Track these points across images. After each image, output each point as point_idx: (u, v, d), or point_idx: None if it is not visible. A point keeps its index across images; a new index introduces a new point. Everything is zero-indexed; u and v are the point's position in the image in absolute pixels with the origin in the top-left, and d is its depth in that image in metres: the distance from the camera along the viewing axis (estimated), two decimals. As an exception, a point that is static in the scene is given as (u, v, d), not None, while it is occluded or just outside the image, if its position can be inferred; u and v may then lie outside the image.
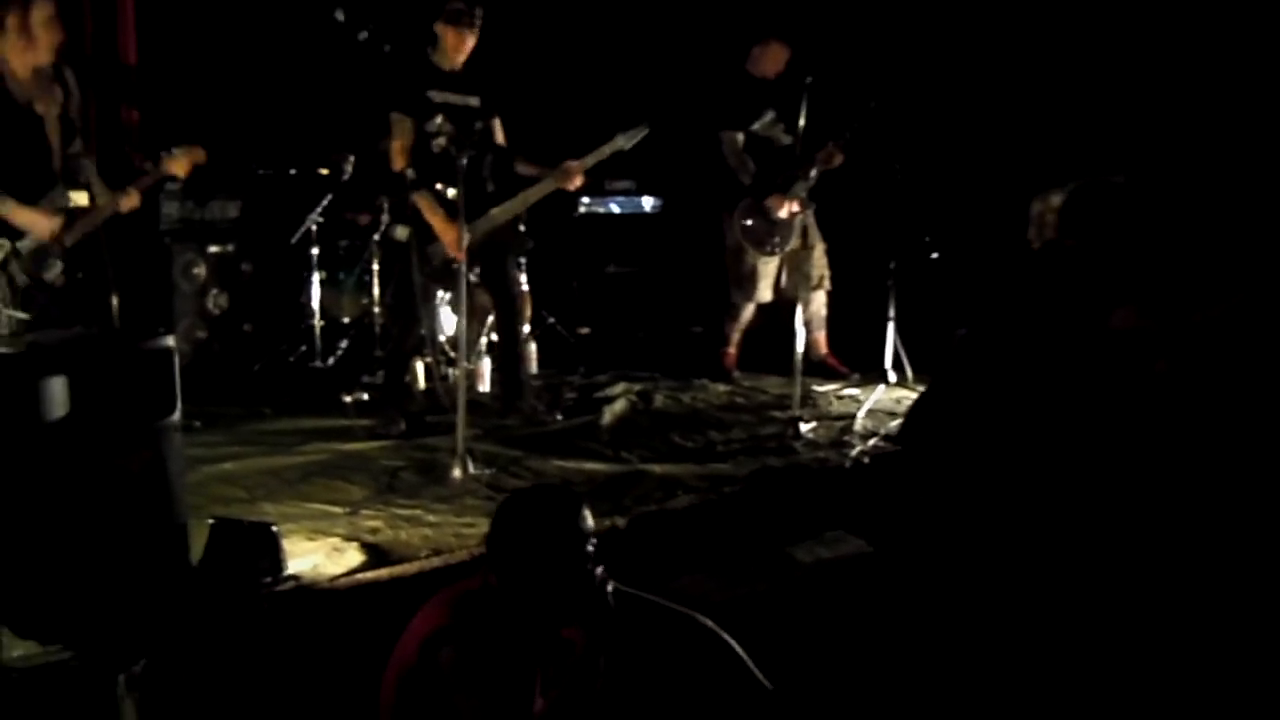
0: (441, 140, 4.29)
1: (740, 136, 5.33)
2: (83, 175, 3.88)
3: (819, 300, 5.54)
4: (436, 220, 4.26)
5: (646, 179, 6.89)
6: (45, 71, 3.69)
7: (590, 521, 2.26)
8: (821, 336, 5.62)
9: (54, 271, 3.72)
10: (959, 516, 3.28)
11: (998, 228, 5.77)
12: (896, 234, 5.47)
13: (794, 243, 5.32)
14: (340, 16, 3.72)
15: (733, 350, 5.63)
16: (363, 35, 3.75)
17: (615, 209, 6.92)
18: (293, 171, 5.95)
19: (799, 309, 4.80)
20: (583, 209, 6.85)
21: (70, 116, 3.84)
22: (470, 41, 4.31)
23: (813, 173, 5.25)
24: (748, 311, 5.53)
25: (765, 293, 5.46)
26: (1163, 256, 3.61)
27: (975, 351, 3.45)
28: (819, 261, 5.47)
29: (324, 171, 5.91)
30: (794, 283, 5.32)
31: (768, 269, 5.43)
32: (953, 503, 3.33)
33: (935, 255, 5.57)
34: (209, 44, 5.95)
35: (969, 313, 4.97)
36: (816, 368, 5.47)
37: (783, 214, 5.27)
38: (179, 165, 3.90)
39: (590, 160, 4.34)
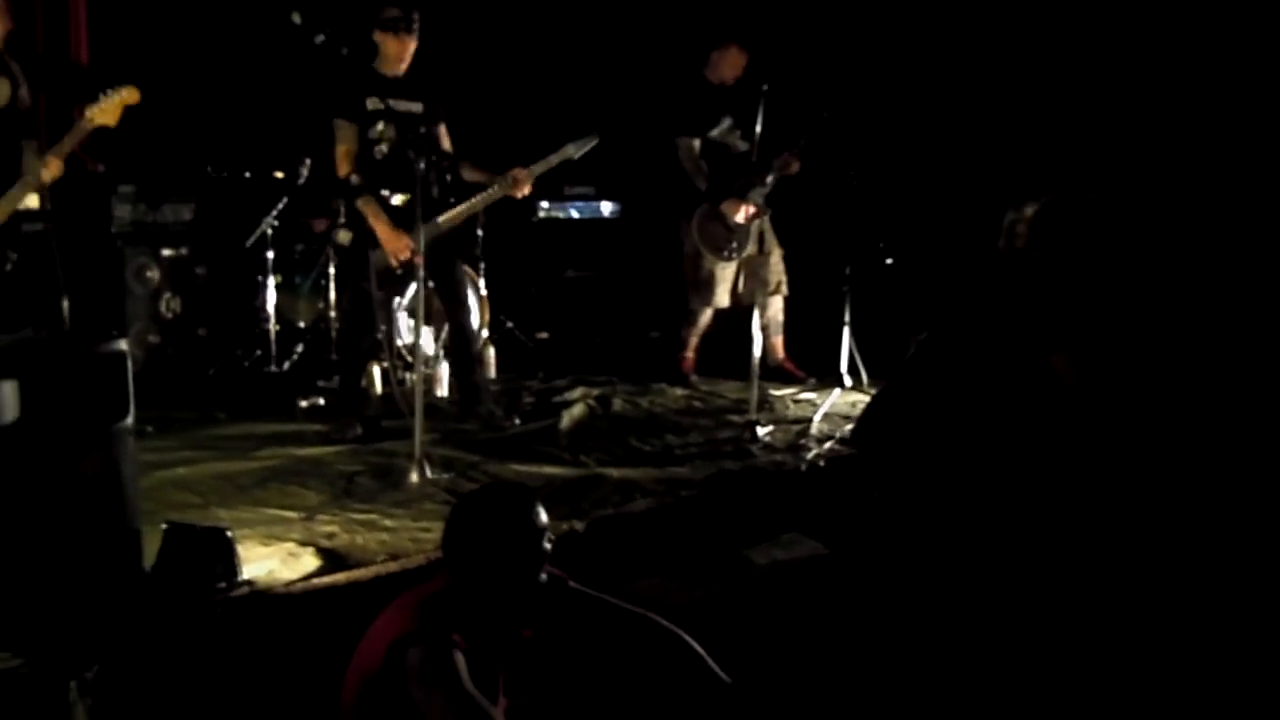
0: (384, 146, 4.29)
1: (696, 143, 5.36)
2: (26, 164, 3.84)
3: (776, 305, 5.59)
4: (380, 226, 4.25)
5: (605, 184, 6.92)
6: None
7: (545, 518, 2.28)
8: (779, 341, 5.67)
9: (11, 261, 3.70)
10: (912, 518, 3.33)
11: (950, 234, 5.89)
12: (851, 240, 5.53)
13: (750, 248, 5.37)
14: (297, 19, 3.70)
15: (690, 355, 5.67)
16: (319, 39, 3.74)
17: (574, 214, 6.93)
18: (247, 174, 5.90)
19: (756, 314, 4.85)
20: (541, 214, 6.86)
21: (18, 107, 3.80)
22: (410, 47, 4.30)
23: (769, 179, 5.32)
24: (705, 316, 5.56)
25: (723, 298, 5.50)
26: (1126, 274, 3.70)
27: (931, 355, 3.50)
28: (776, 267, 5.52)
29: (279, 175, 5.86)
30: (751, 288, 5.38)
31: (725, 274, 5.47)
32: (905, 505, 3.37)
33: (889, 261, 5.65)
34: (163, 45, 5.89)
35: (923, 318, 5.05)
36: (774, 372, 5.52)
37: (739, 219, 5.31)
38: (108, 113, 3.73)
39: (539, 168, 4.36)
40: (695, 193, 5.34)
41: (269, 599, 2.84)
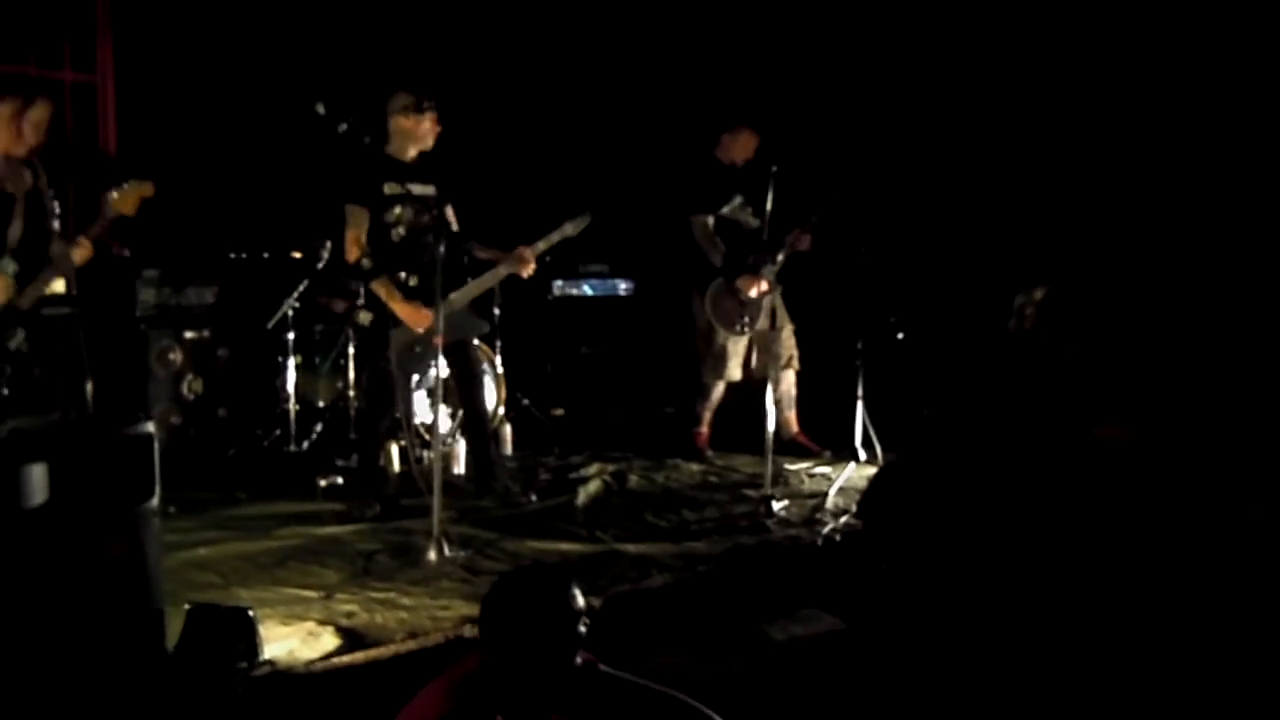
0: (401, 229, 4.41)
1: (710, 220, 5.47)
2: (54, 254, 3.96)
3: (789, 380, 5.64)
4: (396, 304, 4.36)
5: (619, 262, 7.03)
6: (16, 158, 3.83)
7: (581, 601, 2.30)
8: (792, 415, 5.70)
9: (17, 339, 3.80)
10: (924, 590, 3.33)
11: (960, 308, 5.96)
12: (863, 314, 5.59)
13: (762, 323, 5.43)
14: (321, 110, 3.83)
15: (705, 430, 5.70)
16: (343, 127, 3.86)
17: (588, 291, 7.03)
18: (266, 256, 6.02)
19: (769, 388, 4.89)
20: (556, 291, 6.96)
21: (39, 196, 3.94)
22: (424, 129, 4.44)
23: (780, 255, 5.41)
24: (718, 390, 5.61)
25: (735, 371, 5.56)
26: (1133, 357, 3.77)
27: (938, 431, 3.54)
28: (788, 342, 5.59)
29: (298, 256, 5.98)
30: (763, 362, 5.43)
31: (737, 348, 5.53)
32: (914, 578, 3.38)
33: (900, 335, 5.70)
34: (188, 131, 6.06)
35: (934, 392, 5.09)
36: (788, 446, 5.54)
37: (752, 294, 5.39)
38: (126, 203, 3.91)
39: (541, 246, 4.48)
40: (708, 268, 5.44)
41: (290, 678, 2.86)
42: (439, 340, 4.02)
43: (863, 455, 5.43)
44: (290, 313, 5.77)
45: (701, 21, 6.86)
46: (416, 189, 4.43)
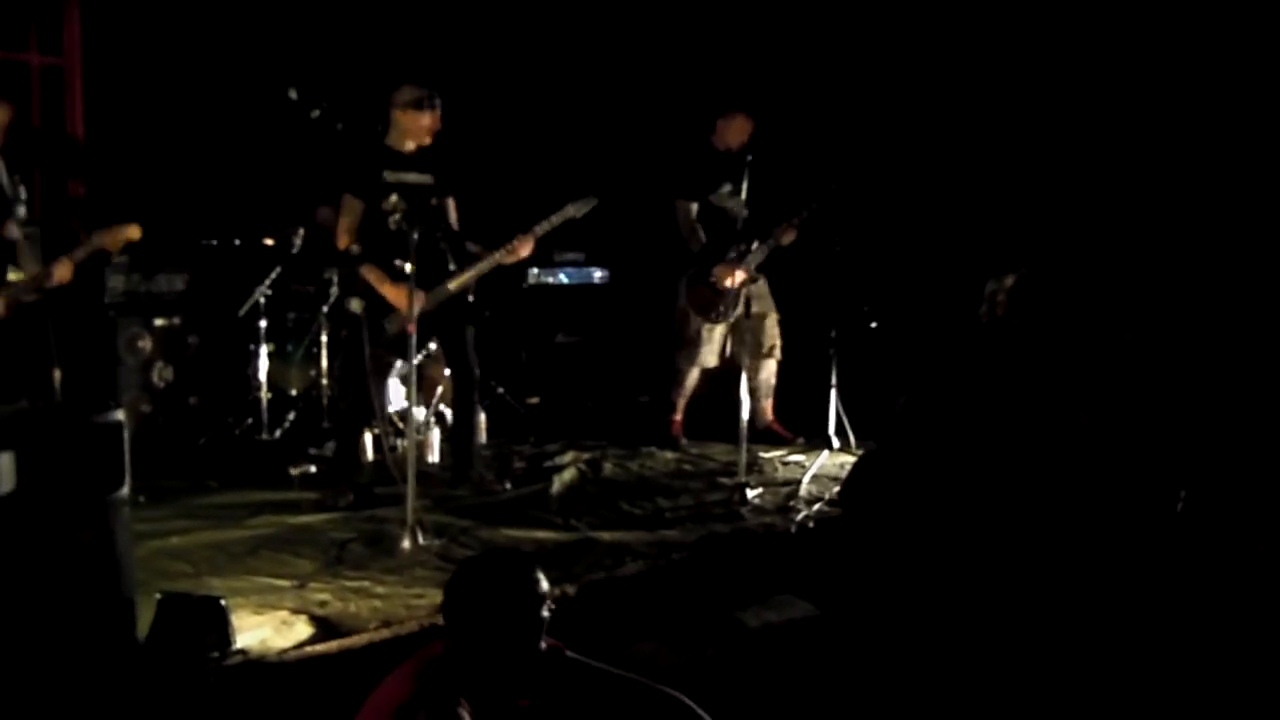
0: (396, 217, 4.37)
1: (694, 206, 5.47)
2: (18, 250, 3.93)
3: (769, 369, 5.65)
4: (388, 290, 4.34)
5: (595, 250, 7.02)
6: None
7: (545, 585, 2.30)
8: (769, 404, 5.71)
9: None
10: (899, 577, 3.36)
11: (932, 298, 5.99)
12: (836, 304, 5.61)
13: (738, 312, 5.42)
14: (294, 95, 3.80)
15: (679, 418, 5.70)
16: (315, 113, 3.83)
17: (564, 279, 7.01)
18: (237, 243, 5.96)
19: (744, 376, 4.90)
20: (532, 279, 6.93)
21: (6, 194, 3.91)
22: (426, 124, 4.42)
23: (757, 245, 5.40)
24: (692, 376, 5.59)
25: (709, 358, 5.57)
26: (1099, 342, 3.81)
27: (915, 418, 3.57)
28: (770, 331, 5.60)
29: (270, 243, 5.93)
30: (739, 350, 5.43)
31: (713, 335, 5.54)
32: (893, 564, 3.41)
33: (874, 325, 5.72)
34: (159, 117, 5.99)
35: (907, 380, 5.12)
36: (763, 434, 5.56)
37: (728, 284, 5.38)
38: (111, 239, 4.04)
39: (541, 228, 4.46)
40: (689, 254, 5.44)
41: (262, 667, 2.85)
42: (412, 327, 4.00)
43: (836, 443, 5.46)
44: (262, 300, 5.72)
45: (686, 7, 6.85)
46: (412, 178, 4.43)
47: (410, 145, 4.46)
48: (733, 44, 6.78)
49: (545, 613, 2.26)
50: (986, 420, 3.45)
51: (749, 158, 5.28)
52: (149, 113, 5.98)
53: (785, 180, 5.52)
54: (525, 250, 4.48)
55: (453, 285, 4.46)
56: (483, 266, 4.52)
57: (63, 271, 3.98)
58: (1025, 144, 6.02)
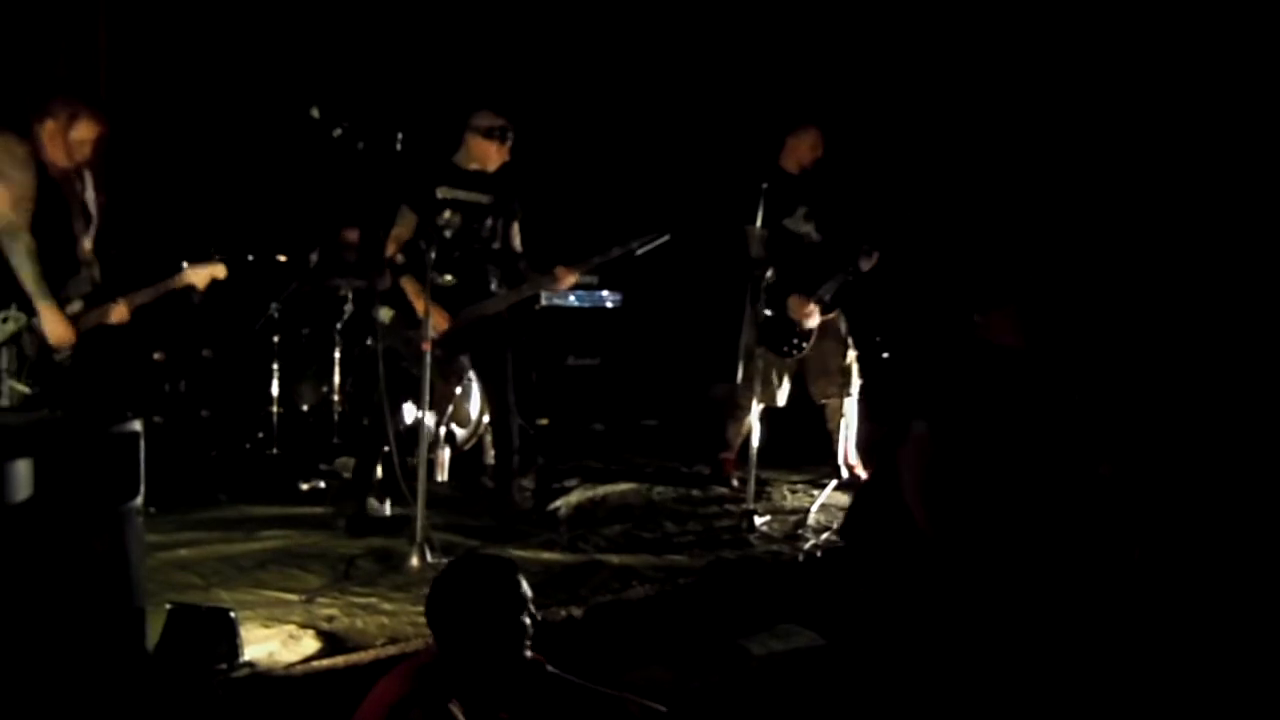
0: (448, 233, 4.43)
1: (764, 232, 4.96)
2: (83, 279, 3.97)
3: (848, 408, 5.37)
4: (420, 303, 4.31)
5: (608, 274, 7.06)
6: (66, 170, 3.84)
7: (527, 590, 2.32)
8: (850, 447, 5.43)
9: (63, 353, 3.84)
10: (902, 609, 3.35)
11: (943, 326, 5.99)
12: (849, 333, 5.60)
13: (818, 346, 5.22)
14: (316, 114, 3.83)
15: (733, 456, 5.40)
16: (337, 132, 3.87)
17: (575, 302, 7.06)
18: (251, 258, 6.00)
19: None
20: (544, 301, 6.98)
21: (88, 210, 3.95)
22: (494, 153, 4.45)
23: (842, 277, 5.18)
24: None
25: (777, 397, 5.27)
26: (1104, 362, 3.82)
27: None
28: (849, 366, 5.34)
29: (283, 259, 5.98)
30: (816, 389, 5.31)
31: (782, 372, 5.26)
32: (896, 595, 3.41)
33: (886, 355, 5.73)
34: (178, 133, 6.06)
35: (901, 407, 5.12)
36: (849, 483, 5.30)
37: (804, 315, 5.15)
38: (198, 278, 4.09)
39: (598, 260, 4.48)
40: (759, 283, 4.93)
41: (269, 680, 2.86)
42: (427, 345, 4.02)
43: (845, 473, 5.45)
44: (276, 315, 5.77)
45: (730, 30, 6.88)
46: (470, 196, 4.46)
47: (474, 166, 4.50)
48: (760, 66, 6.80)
49: (526, 618, 2.28)
50: (990, 446, 3.44)
51: (764, 186, 4.88)
52: (167, 130, 6.04)
53: (855, 201, 5.31)
54: (569, 280, 4.50)
55: (488, 307, 4.47)
56: (524, 290, 4.56)
57: (120, 312, 3.99)
58: (1021, 162, 6.02)
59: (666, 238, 4.40)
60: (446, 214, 4.43)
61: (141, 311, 4.07)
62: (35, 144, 3.73)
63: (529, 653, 2.32)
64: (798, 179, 5.25)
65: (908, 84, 6.46)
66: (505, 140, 4.46)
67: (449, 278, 4.41)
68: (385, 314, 4.45)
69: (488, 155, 4.47)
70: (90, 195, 3.97)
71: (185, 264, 4.09)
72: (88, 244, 3.96)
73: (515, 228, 4.62)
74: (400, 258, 4.37)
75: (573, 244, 4.68)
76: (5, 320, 3.73)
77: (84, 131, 3.79)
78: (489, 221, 4.39)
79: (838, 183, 5.21)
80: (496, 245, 4.51)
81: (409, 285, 4.36)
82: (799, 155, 5.24)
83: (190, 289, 4.19)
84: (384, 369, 4.15)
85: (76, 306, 3.89)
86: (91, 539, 2.66)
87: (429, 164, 4.43)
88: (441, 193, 4.42)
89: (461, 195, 4.43)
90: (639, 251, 4.42)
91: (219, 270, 4.14)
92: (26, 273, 3.69)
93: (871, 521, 3.76)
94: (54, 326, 3.77)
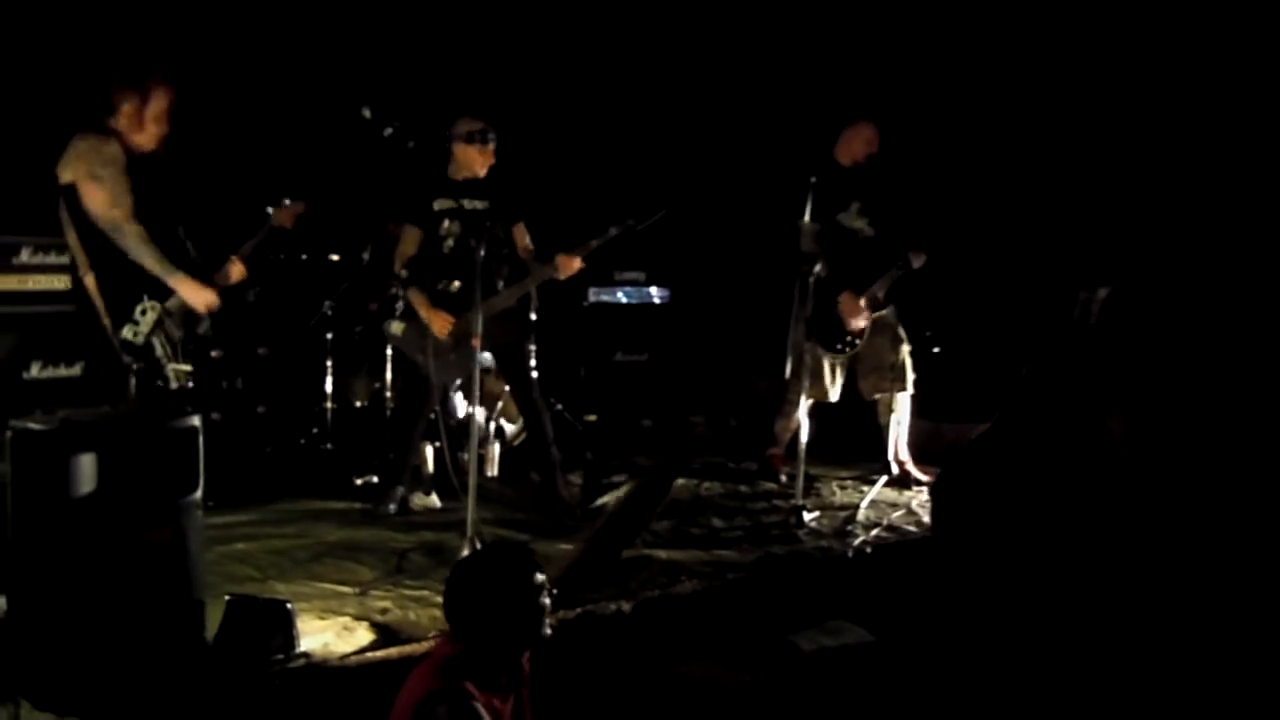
0: (450, 242, 4.50)
1: (816, 227, 4.96)
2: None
3: (902, 403, 5.30)
4: (423, 310, 4.45)
5: (656, 270, 7.07)
6: (150, 153, 3.93)
7: (541, 576, 2.35)
8: (903, 444, 5.37)
9: (204, 325, 4.02)
10: (979, 609, 3.29)
11: (996, 323, 5.92)
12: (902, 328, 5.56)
13: (870, 342, 5.18)
14: (367, 114, 3.89)
15: (781, 451, 5.39)
16: (388, 131, 3.92)
17: (623, 299, 7.08)
18: (304, 257, 6.09)
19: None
20: (592, 298, 7.01)
21: (175, 190, 4.04)
22: (478, 158, 4.52)
23: (893, 273, 5.11)
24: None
25: (829, 392, 5.22)
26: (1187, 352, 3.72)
27: (1005, 435, 3.51)
28: (903, 361, 5.26)
29: (336, 258, 6.06)
30: (868, 384, 5.27)
31: (834, 368, 5.22)
32: (974, 594, 3.34)
33: (936, 350, 5.67)
34: (228, 131, 6.14)
35: (969, 406, 5.06)
36: (899, 479, 5.28)
37: (855, 313, 5.11)
38: (285, 218, 4.23)
39: (596, 242, 4.44)
40: (807, 279, 4.83)
41: (325, 671, 2.91)
42: (477, 341, 4.06)
43: (895, 470, 5.41)
44: (329, 313, 5.85)
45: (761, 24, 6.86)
46: (467, 204, 4.54)
47: (465, 175, 4.57)
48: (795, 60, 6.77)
49: (545, 600, 2.33)
50: (1068, 426, 3.37)
51: (813, 180, 4.92)
52: (218, 127, 6.13)
53: (909, 197, 5.21)
54: (572, 266, 4.47)
55: (495, 304, 4.48)
56: (528, 282, 4.61)
57: (239, 270, 4.15)
58: (1078, 149, 5.91)
59: (663, 213, 4.38)
60: (446, 224, 4.51)
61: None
62: (119, 138, 3.80)
63: (548, 630, 2.36)
64: (851, 173, 5.19)
65: (962, 77, 6.38)
66: (487, 143, 4.51)
67: (456, 284, 4.48)
68: (397, 327, 4.54)
69: (473, 161, 4.53)
70: (172, 178, 4.06)
71: (270, 209, 4.22)
72: (180, 231, 4.05)
73: (521, 227, 4.67)
74: (405, 272, 4.46)
75: (560, 235, 4.68)
76: (144, 313, 3.84)
77: (159, 103, 3.86)
78: (488, 225, 4.42)
79: (892, 178, 5.14)
80: (500, 249, 4.56)
81: (415, 296, 4.47)
82: (853, 150, 5.18)
83: (278, 230, 4.31)
84: (401, 373, 4.23)
85: None
86: (153, 531, 2.73)
87: (424, 179, 4.53)
88: (438, 205, 4.52)
89: (459, 204, 4.51)
90: (639, 228, 4.38)
91: (300, 207, 4.26)
92: (147, 259, 3.79)
93: (959, 513, 3.67)
94: (194, 294, 3.90)
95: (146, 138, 3.86)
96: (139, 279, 3.81)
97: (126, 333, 3.82)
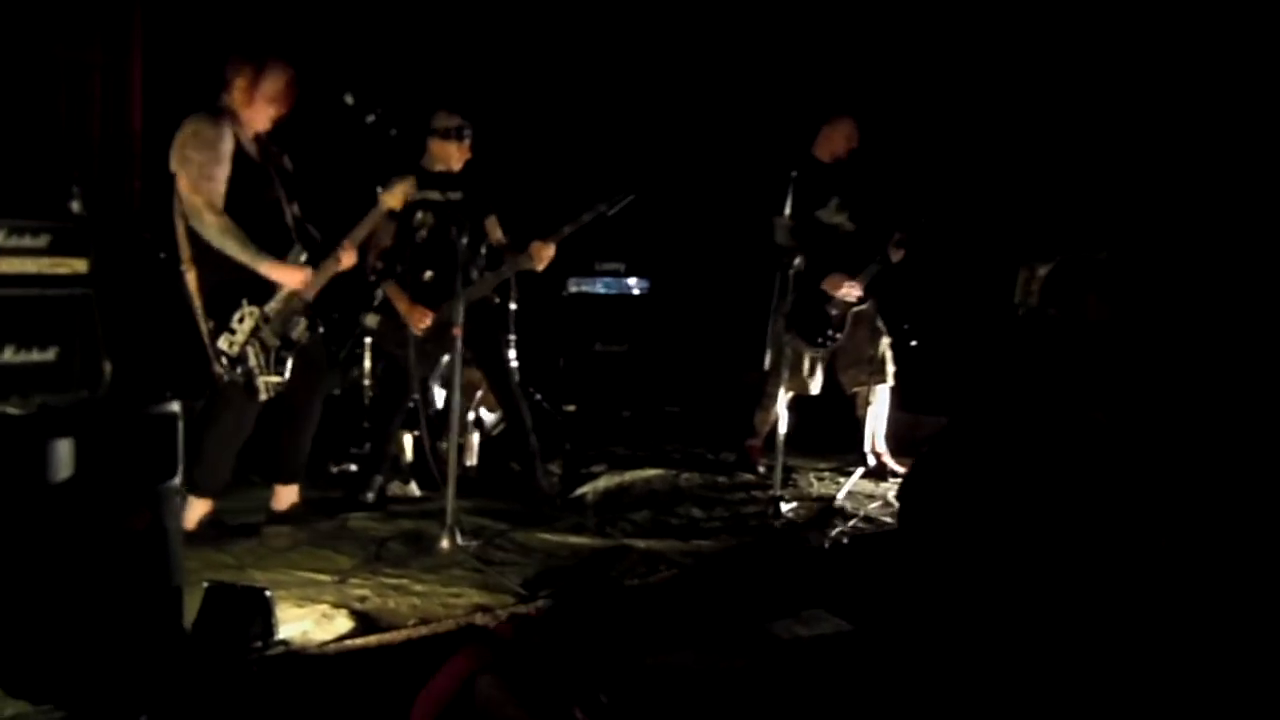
0: (423, 232, 4.51)
1: (791, 221, 4.89)
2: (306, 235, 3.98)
3: (881, 395, 5.36)
4: (400, 303, 4.48)
5: (635, 261, 7.08)
6: (262, 133, 3.85)
7: None
8: (881, 436, 5.43)
9: (299, 329, 3.86)
10: (950, 598, 3.34)
11: (969, 317, 5.97)
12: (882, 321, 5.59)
13: (850, 336, 5.21)
14: (350, 100, 3.86)
15: (759, 443, 5.44)
16: (370, 118, 3.90)
17: (602, 289, 7.08)
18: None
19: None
20: (571, 288, 7.01)
21: (288, 174, 3.94)
22: (454, 153, 4.54)
23: (873, 266, 5.14)
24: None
25: (810, 386, 5.27)
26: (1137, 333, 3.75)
27: (967, 425, 3.54)
28: (883, 354, 5.30)
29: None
30: (849, 377, 5.31)
31: (814, 362, 5.27)
32: (945, 583, 3.39)
33: (914, 343, 5.71)
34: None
35: (944, 398, 5.09)
36: (876, 471, 5.34)
37: (841, 294, 5.13)
38: (395, 199, 3.99)
39: (569, 229, 4.45)
40: (786, 273, 4.84)
41: (303, 659, 2.91)
42: (458, 330, 4.06)
43: (871, 461, 5.45)
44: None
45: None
46: (440, 196, 4.55)
47: (439, 168, 4.58)
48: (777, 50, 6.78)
49: None
50: (1039, 416, 3.40)
51: (794, 174, 4.86)
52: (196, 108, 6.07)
53: (888, 191, 5.26)
54: (546, 253, 4.48)
55: (471, 294, 4.46)
56: (504, 270, 4.63)
57: (349, 256, 3.95)
58: (1044, 132, 5.96)
59: (632, 197, 4.39)
60: (419, 215, 4.52)
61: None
62: (231, 118, 3.70)
63: None
64: (831, 168, 5.22)
65: (941, 73, 6.41)
66: (464, 139, 4.53)
67: (429, 274, 4.48)
68: (372, 319, 4.55)
69: (449, 155, 4.55)
70: (286, 160, 3.97)
71: (379, 189, 4.00)
72: (296, 208, 3.94)
73: (493, 220, 4.69)
74: (380, 264, 4.47)
75: (537, 224, 4.67)
76: (241, 320, 3.72)
77: (275, 81, 3.74)
78: (462, 217, 4.41)
79: (871, 173, 5.18)
80: (470, 239, 4.53)
81: (392, 291, 4.49)
82: (833, 145, 5.21)
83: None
84: (380, 362, 4.21)
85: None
86: (130, 517, 2.71)
87: (400, 170, 4.47)
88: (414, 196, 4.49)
89: (431, 196, 4.52)
90: (610, 213, 4.39)
91: (410, 184, 4.02)
92: (231, 247, 3.63)
93: (930, 509, 3.71)
94: (286, 276, 3.75)
95: (259, 116, 3.75)
96: (238, 280, 3.68)
97: (223, 343, 3.70)
